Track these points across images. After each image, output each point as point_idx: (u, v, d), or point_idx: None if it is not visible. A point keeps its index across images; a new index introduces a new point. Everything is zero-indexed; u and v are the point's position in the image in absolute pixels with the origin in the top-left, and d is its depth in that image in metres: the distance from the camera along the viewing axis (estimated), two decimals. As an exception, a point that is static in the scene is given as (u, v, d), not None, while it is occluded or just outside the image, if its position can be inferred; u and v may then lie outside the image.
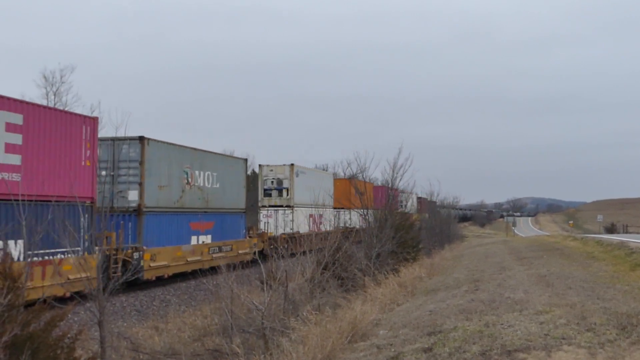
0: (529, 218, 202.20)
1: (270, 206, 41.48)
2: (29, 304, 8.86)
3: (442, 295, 16.16)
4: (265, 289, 14.89)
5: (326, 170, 77.61)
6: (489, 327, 10.08)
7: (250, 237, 34.91)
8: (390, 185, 29.12)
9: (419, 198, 69.34)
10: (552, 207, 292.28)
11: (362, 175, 30.26)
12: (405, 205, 43.73)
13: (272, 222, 41.01)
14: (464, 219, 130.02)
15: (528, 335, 9.17)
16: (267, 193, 41.61)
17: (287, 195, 41.49)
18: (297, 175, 42.04)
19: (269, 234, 38.69)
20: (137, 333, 16.79)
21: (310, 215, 44.58)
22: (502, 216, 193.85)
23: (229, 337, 14.28)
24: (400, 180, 28.77)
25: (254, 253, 31.64)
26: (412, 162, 29.35)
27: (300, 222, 41.78)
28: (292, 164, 41.53)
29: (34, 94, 61.60)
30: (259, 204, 41.96)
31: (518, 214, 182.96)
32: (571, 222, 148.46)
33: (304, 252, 20.48)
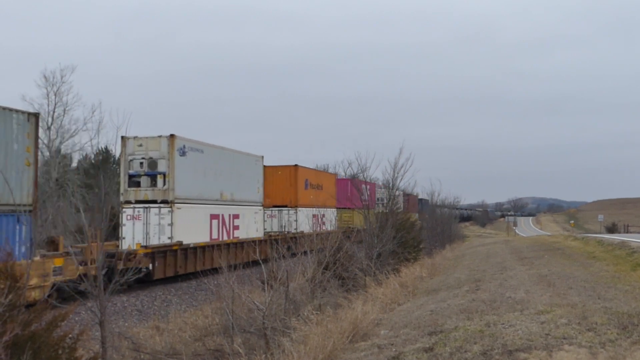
0: (530, 218, 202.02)
1: (138, 202, 26.04)
2: (31, 304, 8.87)
3: (443, 295, 16.17)
4: (266, 288, 14.90)
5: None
6: (490, 327, 10.09)
7: (45, 257, 19.32)
8: (391, 185, 29.05)
9: (406, 195, 61.40)
10: (553, 207, 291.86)
11: (363, 175, 30.20)
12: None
13: (140, 227, 25.73)
14: (465, 218, 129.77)
15: (529, 335, 9.18)
16: (135, 181, 26.45)
17: (165, 184, 25.99)
18: (184, 154, 26.92)
19: (124, 249, 23.99)
20: (139, 333, 16.81)
21: (214, 217, 29.55)
22: (502, 216, 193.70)
23: (230, 337, 14.28)
24: (401, 180, 28.74)
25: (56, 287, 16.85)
26: (413, 162, 29.36)
27: (190, 227, 27.11)
28: (173, 135, 26.28)
29: (34, 94, 61.63)
30: (121, 199, 26.54)
31: (511, 212, 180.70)
32: (572, 222, 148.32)
33: (305, 252, 20.46)
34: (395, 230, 25.47)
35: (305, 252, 20.47)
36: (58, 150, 48.29)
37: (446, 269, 25.58)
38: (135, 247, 24.27)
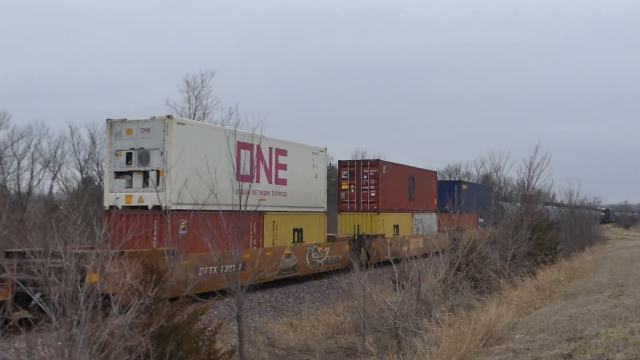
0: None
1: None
2: (173, 298, 9.36)
3: (582, 300, 15.55)
4: (397, 288, 14.89)
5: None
6: (634, 335, 9.59)
7: None
8: (526, 185, 28.21)
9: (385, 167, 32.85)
10: None
11: (497, 175, 29.57)
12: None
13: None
14: (606, 220, 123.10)
15: (679, 345, 8.65)
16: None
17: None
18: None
19: None
20: (273, 329, 17.25)
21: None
22: None
23: (362, 335, 14.39)
24: (537, 179, 27.89)
25: None
26: (550, 161, 28.36)
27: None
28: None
29: (177, 99, 64.96)
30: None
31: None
32: None
33: (437, 253, 20.27)
34: (530, 231, 24.73)
35: (437, 252, 20.29)
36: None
37: (586, 273, 24.54)
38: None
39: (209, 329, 9.71)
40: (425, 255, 22.25)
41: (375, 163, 31.66)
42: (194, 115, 49.17)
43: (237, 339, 12.45)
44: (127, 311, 7.74)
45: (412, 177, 35.37)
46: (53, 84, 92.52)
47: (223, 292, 13.27)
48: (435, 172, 40.26)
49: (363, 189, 31.49)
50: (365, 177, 31.43)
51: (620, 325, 10.58)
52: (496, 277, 20.62)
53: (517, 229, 23.95)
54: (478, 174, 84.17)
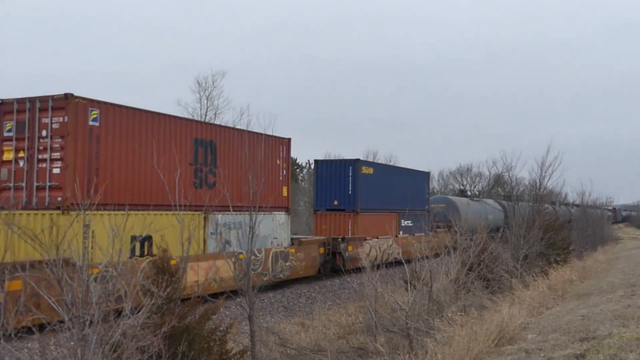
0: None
1: None
2: (184, 298, 9.38)
3: (595, 300, 15.47)
4: (409, 288, 14.87)
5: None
6: (648, 335, 9.53)
7: None
8: (538, 185, 28.09)
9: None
10: None
11: (509, 175, 29.42)
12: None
13: None
14: (619, 219, 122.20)
15: (692, 345, 8.59)
16: None
17: None
18: None
19: None
20: (285, 329, 17.27)
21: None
22: None
23: (373, 335, 14.38)
24: (549, 179, 27.77)
25: None
26: (562, 161, 28.25)
27: None
28: None
29: (189, 99, 65.20)
30: None
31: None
32: None
33: (448, 252, 20.22)
34: (542, 231, 24.63)
35: (448, 252, 20.24)
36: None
37: (598, 273, 24.43)
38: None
39: (221, 329, 9.74)
40: (235, 292, 12.79)
41: (64, 102, 15.32)
42: (205, 115, 49.25)
43: (249, 339, 12.48)
44: (139, 311, 7.77)
45: (209, 142, 19.58)
46: (65, 83, 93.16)
47: (235, 292, 13.30)
48: (289, 139, 23.95)
49: (40, 160, 15.60)
50: (45, 134, 15.53)
51: (633, 325, 10.52)
52: (508, 277, 20.55)
53: (529, 229, 23.87)
54: (490, 173, 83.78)
